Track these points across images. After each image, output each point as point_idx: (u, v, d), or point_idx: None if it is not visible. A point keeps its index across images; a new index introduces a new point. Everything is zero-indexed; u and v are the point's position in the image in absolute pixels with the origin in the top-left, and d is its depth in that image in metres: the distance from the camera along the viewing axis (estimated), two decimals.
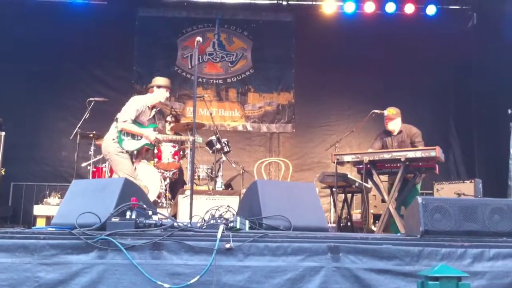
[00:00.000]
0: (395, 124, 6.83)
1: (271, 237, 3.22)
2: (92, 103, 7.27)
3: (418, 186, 6.61)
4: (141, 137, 6.01)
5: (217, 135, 7.53)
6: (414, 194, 6.32)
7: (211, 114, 8.55)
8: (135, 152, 6.07)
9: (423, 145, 6.67)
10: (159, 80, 6.31)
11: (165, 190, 7.35)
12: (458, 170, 9.90)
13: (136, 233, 3.16)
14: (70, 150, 8.55)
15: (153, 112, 6.31)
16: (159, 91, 6.21)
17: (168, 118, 8.13)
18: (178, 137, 7.25)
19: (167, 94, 6.34)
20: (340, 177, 6.69)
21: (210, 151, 7.57)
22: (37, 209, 7.49)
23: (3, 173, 7.30)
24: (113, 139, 5.89)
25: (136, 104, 6.00)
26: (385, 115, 6.83)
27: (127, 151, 5.90)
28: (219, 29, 10.37)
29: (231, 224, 3.36)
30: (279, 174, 8.98)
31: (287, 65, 10.36)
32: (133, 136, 5.95)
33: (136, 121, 5.98)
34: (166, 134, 8.02)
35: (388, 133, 6.92)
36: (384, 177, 6.56)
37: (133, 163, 6.04)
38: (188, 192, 6.08)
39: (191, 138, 6.42)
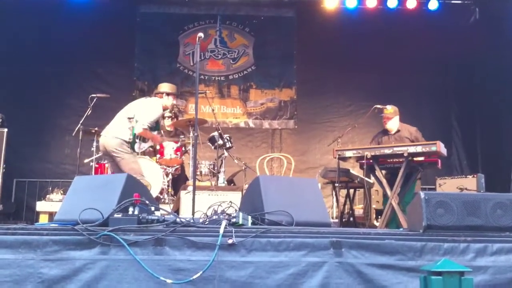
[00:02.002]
0: (393, 123, 6.85)
1: (274, 232, 3.22)
2: (94, 100, 7.27)
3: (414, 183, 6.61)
4: (148, 140, 6.07)
5: (219, 131, 7.52)
6: (410, 191, 6.35)
7: (213, 110, 8.55)
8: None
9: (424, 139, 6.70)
10: (168, 87, 6.45)
11: (168, 186, 7.34)
12: (461, 165, 9.89)
13: (139, 229, 3.16)
14: (73, 146, 8.56)
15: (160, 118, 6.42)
16: (168, 99, 6.35)
17: (166, 114, 8.11)
18: (178, 139, 7.29)
19: (174, 102, 6.49)
20: (342, 173, 6.70)
21: (212, 147, 7.57)
22: (40, 206, 7.51)
23: (3, 169, 7.32)
24: (127, 140, 5.90)
25: (157, 112, 6.14)
26: (383, 115, 6.84)
27: (137, 153, 5.96)
28: (221, 25, 10.35)
29: (234, 220, 3.36)
30: (281, 169, 8.98)
31: (289, 61, 10.35)
32: (143, 139, 6.02)
33: None
34: (167, 130, 8.04)
35: (385, 133, 6.95)
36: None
37: None
38: (190, 188, 6.07)
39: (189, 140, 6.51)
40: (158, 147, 7.48)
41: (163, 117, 8.11)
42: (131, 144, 5.89)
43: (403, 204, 6.04)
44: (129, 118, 5.99)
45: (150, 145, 6.18)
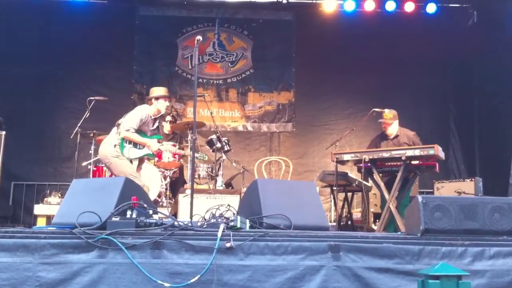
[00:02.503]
0: (393, 128, 6.82)
1: (272, 236, 3.22)
2: (93, 102, 7.27)
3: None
4: (143, 147, 6.03)
5: (217, 134, 7.52)
6: (407, 194, 6.36)
7: (211, 113, 8.55)
8: (136, 160, 6.10)
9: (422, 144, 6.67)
10: (156, 91, 6.32)
11: (166, 189, 7.34)
12: (459, 168, 9.90)
13: (137, 232, 3.16)
14: (71, 149, 8.55)
15: (156, 123, 6.33)
16: (157, 103, 6.23)
17: (168, 118, 8.10)
18: (179, 151, 7.28)
19: (167, 103, 6.34)
20: (340, 176, 6.70)
21: (211, 150, 7.57)
22: (38, 209, 7.49)
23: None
24: (115, 145, 5.89)
25: (140, 114, 6.03)
26: (382, 120, 6.81)
27: (127, 158, 5.92)
28: (219, 28, 10.36)
29: (232, 223, 3.36)
30: (280, 173, 8.98)
31: (287, 64, 10.35)
32: (135, 144, 5.98)
33: (139, 131, 6.01)
34: (165, 134, 8.04)
35: (384, 137, 6.91)
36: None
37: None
38: (188, 191, 6.08)
39: (190, 152, 6.48)
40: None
41: (165, 121, 8.09)
42: (121, 149, 5.88)
43: (401, 207, 6.04)
44: (118, 125, 6.00)
45: (146, 153, 6.10)
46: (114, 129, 6.05)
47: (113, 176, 6.07)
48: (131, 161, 6.01)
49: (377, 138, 7.04)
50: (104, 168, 7.30)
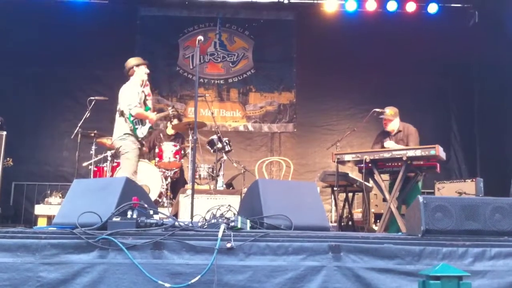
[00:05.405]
0: (393, 125, 6.82)
1: (272, 236, 3.22)
2: (93, 102, 7.27)
3: (420, 184, 6.59)
4: (146, 121, 6.01)
5: (218, 134, 7.52)
6: (415, 193, 6.32)
7: (212, 114, 8.55)
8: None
9: (416, 144, 6.63)
10: (134, 60, 6.28)
11: (166, 189, 7.35)
12: (460, 169, 9.89)
13: (137, 233, 3.16)
14: (71, 149, 8.55)
15: (142, 95, 6.27)
16: (139, 69, 6.20)
17: (175, 122, 8.08)
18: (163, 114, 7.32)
19: (147, 70, 6.29)
20: (341, 176, 6.70)
21: (211, 150, 7.57)
22: (38, 209, 7.49)
23: (12, 163, 7.35)
24: (128, 133, 5.84)
25: (134, 89, 6.00)
26: (383, 117, 6.81)
27: (142, 138, 5.90)
28: (221, 28, 10.37)
29: (232, 224, 3.35)
30: (280, 173, 8.98)
31: (288, 65, 10.36)
32: (142, 122, 5.96)
33: None
34: (167, 134, 8.04)
35: (387, 134, 6.91)
36: (385, 176, 6.55)
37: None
38: (189, 192, 6.08)
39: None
40: (157, 150, 7.51)
41: (170, 122, 8.06)
42: (134, 132, 5.85)
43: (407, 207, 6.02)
44: (121, 113, 5.96)
45: (149, 126, 6.09)
46: (119, 119, 5.97)
47: (117, 168, 6.03)
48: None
49: (380, 135, 7.04)
50: (105, 168, 7.31)
